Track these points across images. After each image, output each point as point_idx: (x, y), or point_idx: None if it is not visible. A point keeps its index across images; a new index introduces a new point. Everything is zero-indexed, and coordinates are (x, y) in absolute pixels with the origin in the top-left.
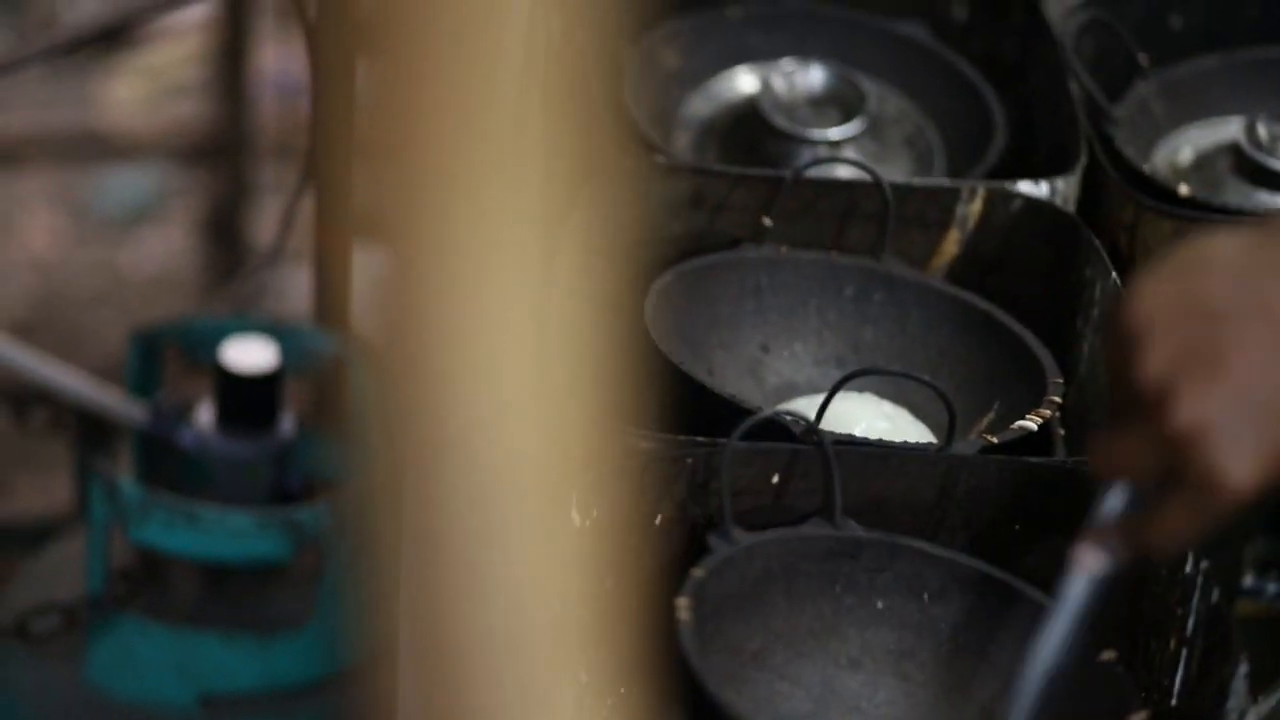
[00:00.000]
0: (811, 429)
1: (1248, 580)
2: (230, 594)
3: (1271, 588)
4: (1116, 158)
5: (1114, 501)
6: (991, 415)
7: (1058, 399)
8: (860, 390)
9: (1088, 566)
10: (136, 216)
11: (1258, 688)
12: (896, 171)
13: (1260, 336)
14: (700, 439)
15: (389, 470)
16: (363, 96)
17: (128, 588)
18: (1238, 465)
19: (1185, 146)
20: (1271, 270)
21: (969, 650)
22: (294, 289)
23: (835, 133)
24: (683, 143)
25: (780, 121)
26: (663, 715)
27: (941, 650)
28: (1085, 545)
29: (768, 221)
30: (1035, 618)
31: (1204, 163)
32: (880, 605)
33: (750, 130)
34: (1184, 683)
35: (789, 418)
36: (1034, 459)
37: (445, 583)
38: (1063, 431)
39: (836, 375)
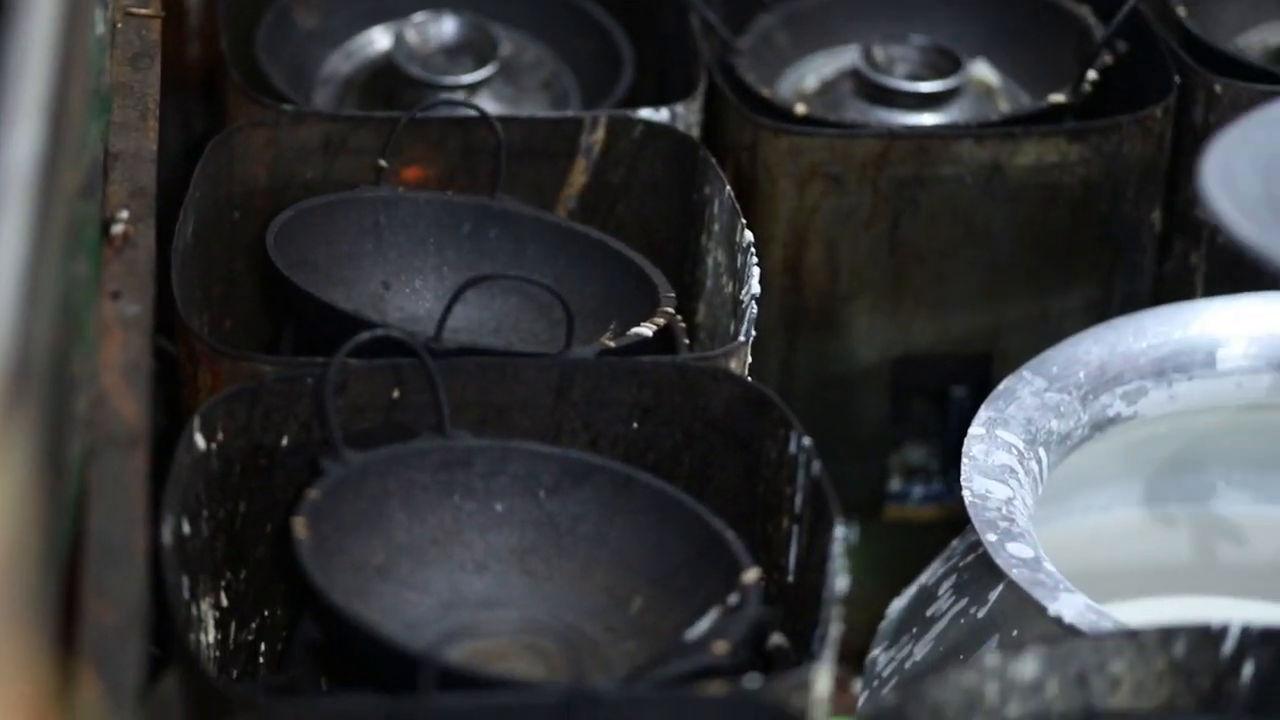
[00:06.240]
0: (426, 342)
1: (894, 485)
2: None
3: (918, 491)
4: (737, 85)
5: None
6: (609, 334)
7: (671, 310)
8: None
9: None
10: None
11: (893, 591)
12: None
13: None
14: (320, 359)
15: None
16: None
17: None
18: None
19: (809, 74)
20: None
21: (588, 539)
22: None
23: (468, 78)
24: (324, 100)
25: (414, 71)
26: (304, 632)
27: (562, 543)
28: None
29: (383, 163)
30: (648, 500)
31: (827, 88)
32: (499, 508)
33: (387, 83)
34: (798, 558)
35: (403, 333)
36: (644, 358)
37: None
38: (688, 342)
39: (458, 310)
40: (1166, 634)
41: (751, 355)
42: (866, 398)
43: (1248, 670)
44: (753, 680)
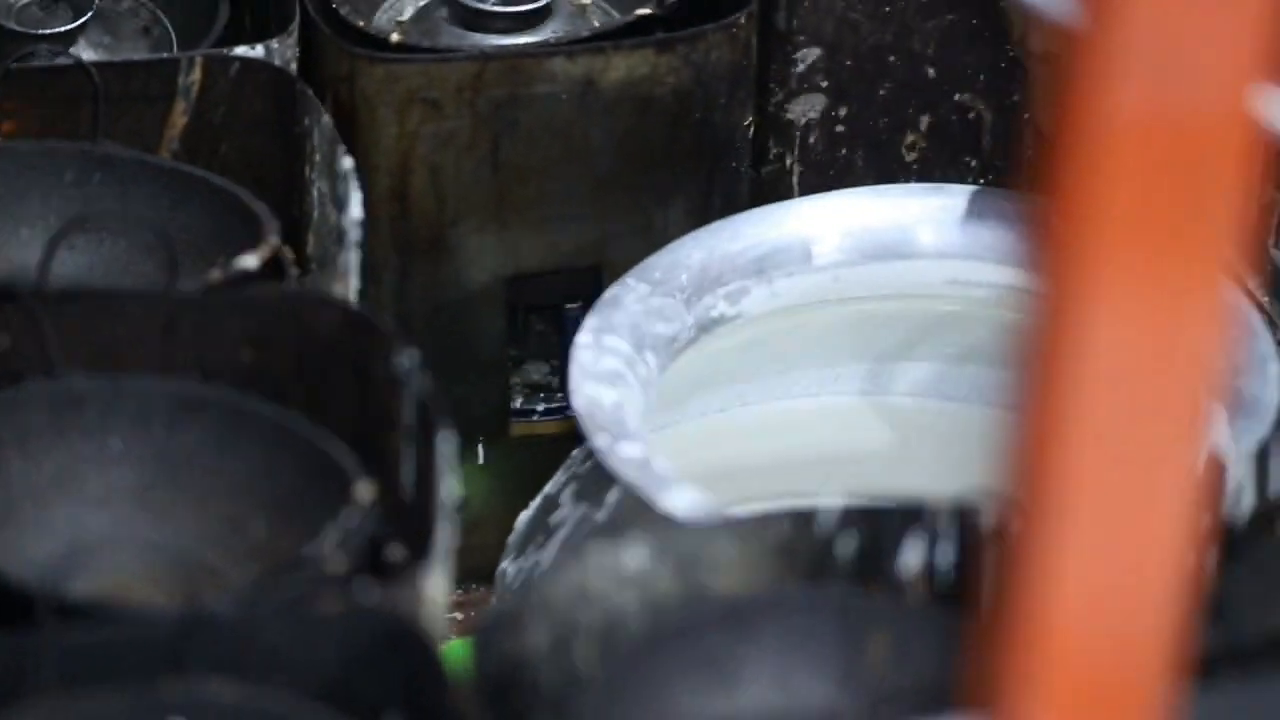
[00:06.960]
0: (32, 287)
1: (518, 403)
2: None
3: (541, 406)
4: (333, 17)
5: None
6: (218, 269)
7: (275, 241)
8: None
9: None
10: None
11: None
12: None
13: None
14: None
15: None
16: None
17: None
18: None
19: (406, 4)
20: None
21: (205, 470)
22: None
23: (64, 28)
24: None
25: (8, 23)
26: None
27: (180, 476)
28: None
29: None
30: (261, 428)
31: (422, 15)
32: (115, 446)
33: None
34: (412, 471)
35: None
36: (252, 289)
37: None
38: (297, 271)
39: (67, 259)
40: (766, 518)
41: (367, 284)
42: (483, 320)
43: (847, 546)
44: (363, 587)
